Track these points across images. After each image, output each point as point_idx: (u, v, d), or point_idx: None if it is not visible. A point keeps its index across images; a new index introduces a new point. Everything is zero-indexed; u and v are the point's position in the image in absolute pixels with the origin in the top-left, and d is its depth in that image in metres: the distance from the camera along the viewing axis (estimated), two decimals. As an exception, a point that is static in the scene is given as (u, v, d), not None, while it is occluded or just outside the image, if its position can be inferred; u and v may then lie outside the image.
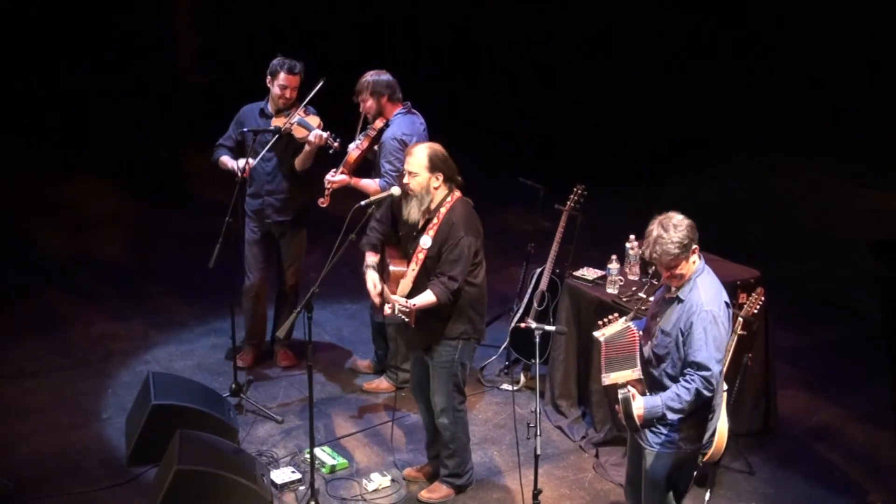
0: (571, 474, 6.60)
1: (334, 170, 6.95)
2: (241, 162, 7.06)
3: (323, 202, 6.95)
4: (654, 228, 4.92)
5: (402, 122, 6.92)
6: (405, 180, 5.86)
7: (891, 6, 10.84)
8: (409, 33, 13.49)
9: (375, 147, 6.99)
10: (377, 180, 6.86)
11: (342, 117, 7.27)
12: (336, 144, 6.99)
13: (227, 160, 7.25)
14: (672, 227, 4.88)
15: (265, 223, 7.36)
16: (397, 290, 5.88)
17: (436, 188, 5.81)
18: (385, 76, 6.95)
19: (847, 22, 11.54)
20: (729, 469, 6.51)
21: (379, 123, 6.95)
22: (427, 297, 5.77)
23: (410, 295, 5.84)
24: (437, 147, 5.87)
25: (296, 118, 7.06)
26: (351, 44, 12.83)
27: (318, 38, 13.63)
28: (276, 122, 7.11)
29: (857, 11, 11.39)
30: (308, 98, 7.09)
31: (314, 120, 7.10)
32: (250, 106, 7.31)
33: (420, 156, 5.79)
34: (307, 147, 7.07)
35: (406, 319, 5.71)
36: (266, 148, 7.06)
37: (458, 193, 5.89)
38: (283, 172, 7.24)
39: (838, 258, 9.35)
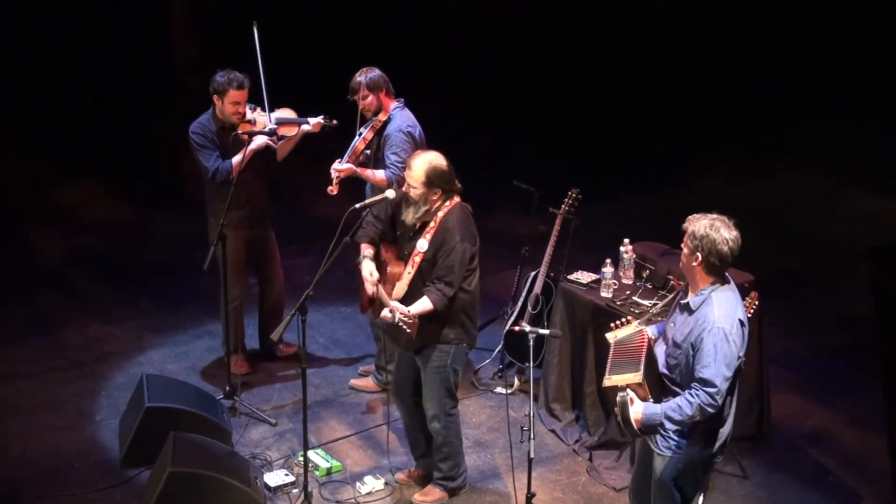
0: (565, 478, 6.61)
1: (340, 159, 6.99)
2: (236, 159, 7.03)
3: (332, 190, 6.95)
4: (714, 214, 5.01)
5: (403, 114, 7.00)
6: (404, 188, 5.87)
7: (888, 6, 10.82)
8: (403, 36, 13.47)
9: (371, 140, 7.05)
10: (383, 171, 6.91)
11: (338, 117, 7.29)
12: (335, 122, 7.08)
13: (234, 159, 7.08)
14: (723, 227, 4.95)
15: (250, 231, 7.31)
16: (393, 291, 5.90)
17: (434, 199, 5.82)
18: (376, 72, 6.99)
19: (844, 25, 11.54)
20: (722, 473, 6.52)
21: (382, 117, 7.00)
22: (424, 305, 5.79)
23: (406, 297, 5.86)
24: (435, 161, 5.78)
25: (271, 120, 7.04)
26: (344, 46, 12.81)
27: (313, 43, 13.65)
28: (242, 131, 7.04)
29: (853, 14, 11.38)
30: (258, 54, 7.06)
31: (288, 112, 7.12)
32: (199, 124, 7.10)
33: (418, 172, 5.75)
34: (292, 136, 7.11)
35: (408, 330, 5.73)
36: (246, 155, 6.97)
37: (457, 199, 5.89)
38: (260, 179, 7.23)
39: (832, 263, 9.36)
